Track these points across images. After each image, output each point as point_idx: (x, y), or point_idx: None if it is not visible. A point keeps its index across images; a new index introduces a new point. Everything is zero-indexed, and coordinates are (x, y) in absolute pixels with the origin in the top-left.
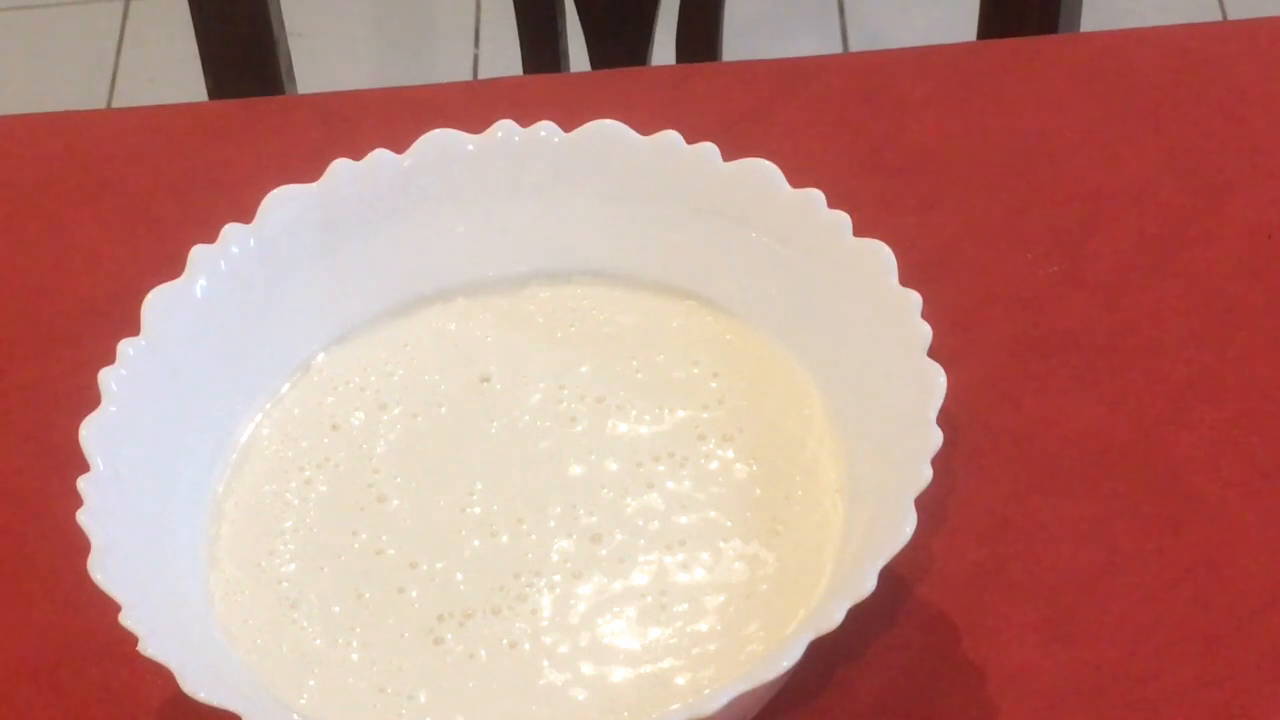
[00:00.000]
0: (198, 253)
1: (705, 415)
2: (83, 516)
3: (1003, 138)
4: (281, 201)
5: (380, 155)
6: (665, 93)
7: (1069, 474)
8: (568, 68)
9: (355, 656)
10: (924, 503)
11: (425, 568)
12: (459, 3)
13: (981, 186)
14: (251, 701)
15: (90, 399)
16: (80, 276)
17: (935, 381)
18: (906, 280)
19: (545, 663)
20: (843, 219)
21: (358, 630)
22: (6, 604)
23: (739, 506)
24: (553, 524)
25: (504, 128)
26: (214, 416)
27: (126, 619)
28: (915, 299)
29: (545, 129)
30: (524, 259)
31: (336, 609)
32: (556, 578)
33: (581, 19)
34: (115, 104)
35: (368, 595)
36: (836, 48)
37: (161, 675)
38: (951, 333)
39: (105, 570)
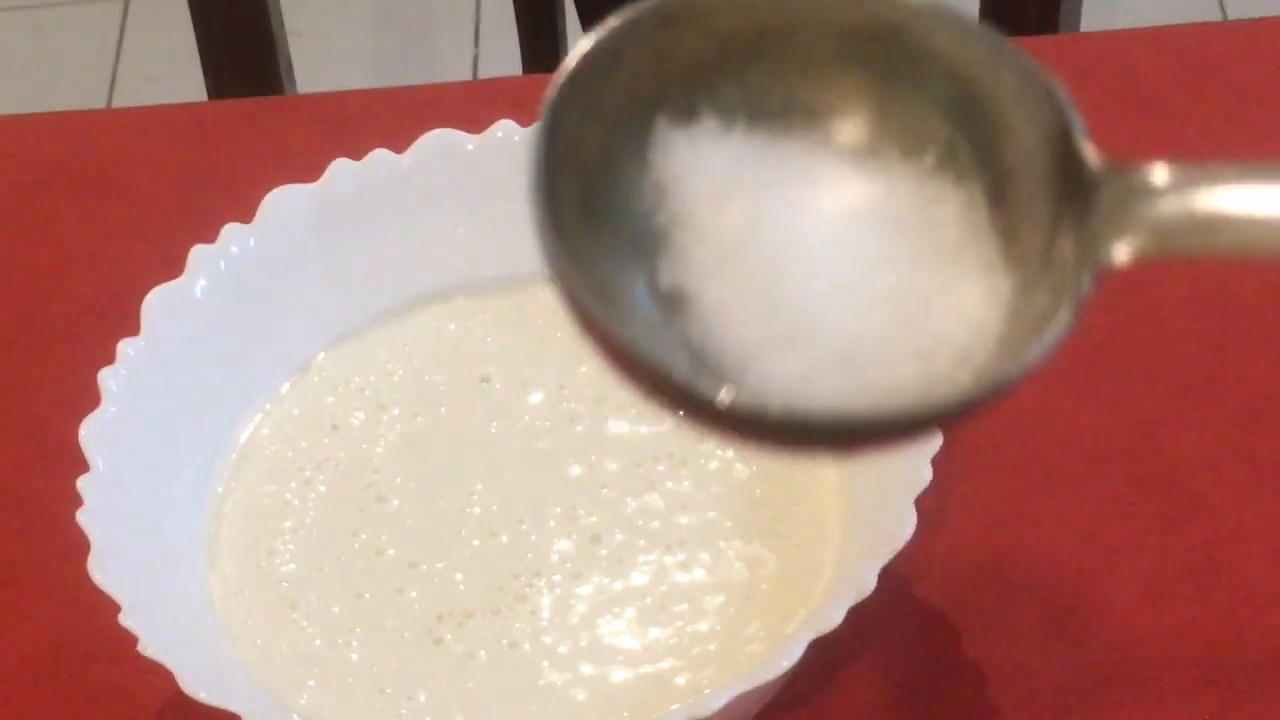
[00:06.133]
0: (197, 253)
1: None
2: (82, 517)
3: None
4: (281, 201)
5: (380, 155)
6: None
7: (1068, 474)
8: None
9: (355, 656)
10: (924, 503)
11: (425, 568)
12: (459, 3)
13: None
14: (251, 702)
15: (90, 399)
16: (80, 276)
17: None
18: None
19: (545, 663)
20: None
21: (358, 630)
22: (6, 604)
23: (739, 506)
24: (552, 524)
25: (504, 128)
26: (213, 416)
27: (126, 619)
28: None
29: None
30: (524, 259)
31: (336, 609)
32: (556, 578)
33: (581, 19)
34: (115, 104)
35: (368, 595)
36: None
37: (161, 676)
38: None
39: (105, 570)
